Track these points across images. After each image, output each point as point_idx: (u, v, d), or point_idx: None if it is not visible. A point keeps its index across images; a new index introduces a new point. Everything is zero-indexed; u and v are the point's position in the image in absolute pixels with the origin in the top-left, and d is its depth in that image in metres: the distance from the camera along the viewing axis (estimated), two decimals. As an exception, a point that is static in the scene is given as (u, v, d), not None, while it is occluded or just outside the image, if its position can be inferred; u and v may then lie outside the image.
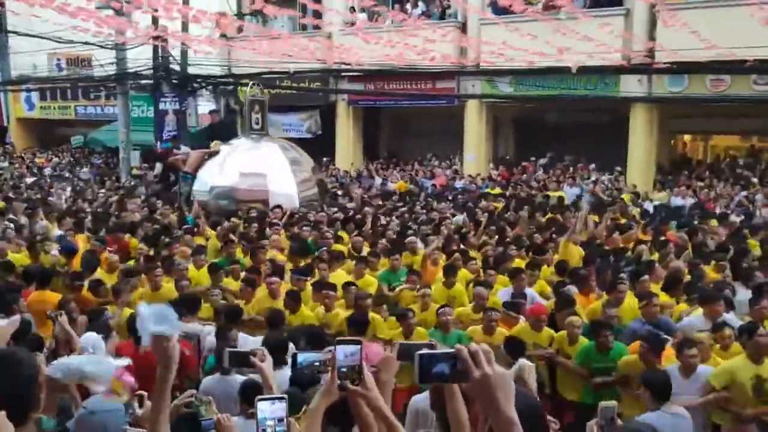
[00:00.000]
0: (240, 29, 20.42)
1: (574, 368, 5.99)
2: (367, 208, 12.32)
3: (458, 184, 17.51)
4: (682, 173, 17.88)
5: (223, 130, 16.41)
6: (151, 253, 8.66)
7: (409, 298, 7.53)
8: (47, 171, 21.09)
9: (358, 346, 2.25)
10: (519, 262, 8.36)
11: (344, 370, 2.23)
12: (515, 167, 19.50)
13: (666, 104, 17.07)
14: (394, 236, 9.80)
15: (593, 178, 16.85)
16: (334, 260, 8.30)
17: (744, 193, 14.25)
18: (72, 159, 25.11)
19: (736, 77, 15.33)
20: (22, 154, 26.38)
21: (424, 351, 1.73)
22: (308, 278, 7.63)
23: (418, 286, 7.53)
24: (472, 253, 8.90)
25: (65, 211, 11.71)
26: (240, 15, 20.33)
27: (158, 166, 17.65)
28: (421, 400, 4.17)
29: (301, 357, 2.62)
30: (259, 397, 2.37)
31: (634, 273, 7.33)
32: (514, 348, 5.45)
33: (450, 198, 15.12)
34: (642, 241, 9.58)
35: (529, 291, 7.44)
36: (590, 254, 8.53)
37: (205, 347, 5.98)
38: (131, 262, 8.56)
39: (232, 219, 11.22)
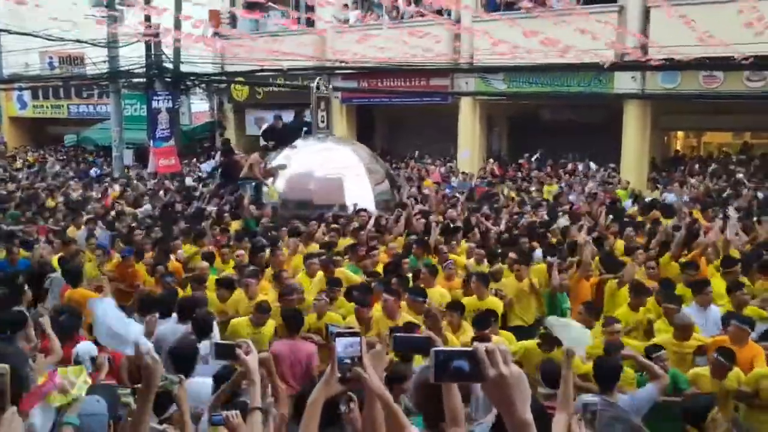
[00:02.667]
0: (234, 19, 20.43)
1: None
2: (451, 211, 11.80)
3: (453, 181, 17.50)
4: (675, 170, 17.95)
5: (284, 132, 15.46)
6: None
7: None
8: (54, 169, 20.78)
9: (358, 338, 2.27)
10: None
11: (346, 362, 2.25)
12: (509, 164, 19.53)
13: (659, 101, 17.10)
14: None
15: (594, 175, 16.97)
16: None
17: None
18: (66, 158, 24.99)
19: (729, 74, 15.37)
20: (15, 153, 26.27)
21: (441, 348, 1.69)
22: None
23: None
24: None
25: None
26: (234, 18, 20.31)
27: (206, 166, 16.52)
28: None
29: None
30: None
31: None
32: None
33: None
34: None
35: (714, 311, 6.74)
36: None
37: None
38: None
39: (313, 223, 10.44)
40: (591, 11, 15.12)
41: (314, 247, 9.08)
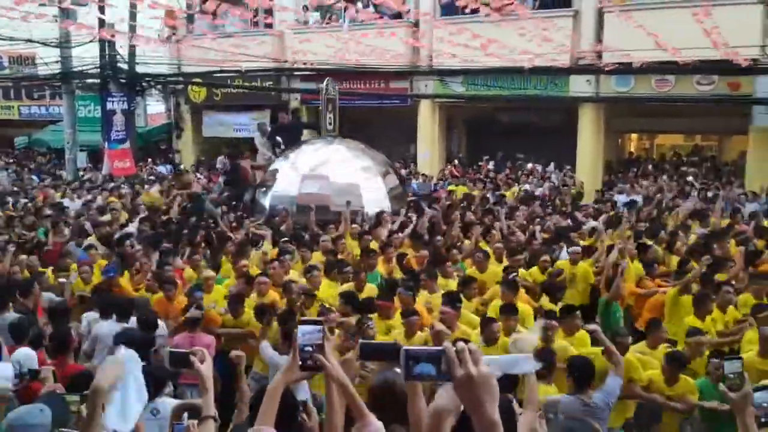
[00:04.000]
0: (191, 21, 20.15)
1: None
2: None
3: (413, 183, 17.57)
4: (629, 171, 18.36)
5: (291, 130, 15.20)
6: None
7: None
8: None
9: (319, 326, 2.27)
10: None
11: (307, 349, 2.25)
12: (469, 166, 19.71)
13: (613, 104, 17.47)
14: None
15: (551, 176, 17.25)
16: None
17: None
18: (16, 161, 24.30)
19: (680, 77, 15.78)
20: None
21: (410, 348, 1.67)
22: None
23: None
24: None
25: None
26: (191, 19, 20.02)
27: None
28: None
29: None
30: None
31: None
32: None
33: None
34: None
35: None
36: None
37: None
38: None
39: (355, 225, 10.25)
40: (547, 16, 15.39)
41: (318, 257, 8.74)
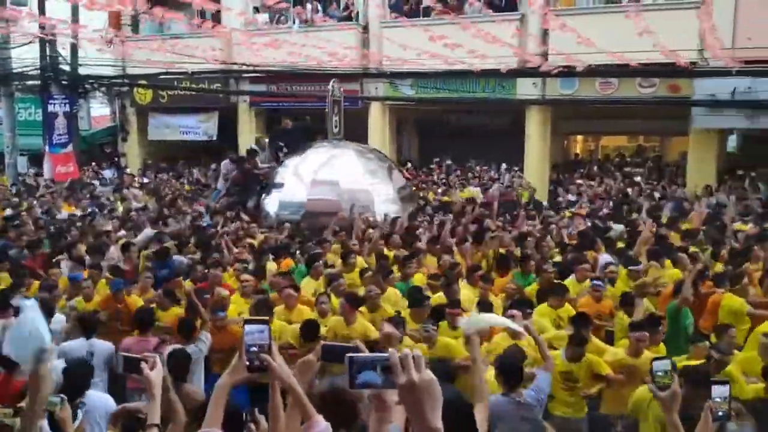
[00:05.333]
0: (136, 24, 19.76)
1: None
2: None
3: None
4: (575, 172, 18.77)
5: (295, 135, 14.77)
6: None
7: None
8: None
9: (266, 326, 2.25)
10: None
11: (253, 349, 2.23)
12: (420, 168, 19.82)
13: (558, 106, 17.84)
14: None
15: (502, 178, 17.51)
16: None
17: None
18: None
19: (623, 80, 16.21)
20: None
21: (356, 354, 1.66)
22: None
23: None
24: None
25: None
26: (136, 19, 19.64)
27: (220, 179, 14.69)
28: None
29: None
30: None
31: None
32: None
33: None
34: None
35: None
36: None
37: None
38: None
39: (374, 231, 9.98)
40: (494, 20, 15.61)
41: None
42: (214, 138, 21.49)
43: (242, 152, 21.14)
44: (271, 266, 8.56)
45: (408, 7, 17.76)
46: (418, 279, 7.97)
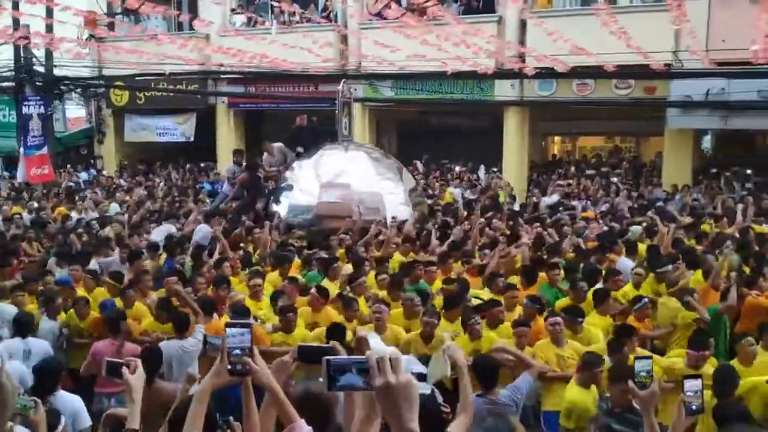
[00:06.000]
0: (111, 28, 19.53)
1: None
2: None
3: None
4: (554, 172, 18.93)
5: (310, 136, 14.33)
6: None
7: None
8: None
9: (248, 329, 2.25)
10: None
11: (236, 352, 2.21)
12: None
13: (536, 107, 17.97)
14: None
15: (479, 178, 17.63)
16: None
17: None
18: None
19: (600, 82, 16.36)
20: None
21: (333, 357, 1.66)
22: None
23: None
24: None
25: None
26: (111, 14, 19.40)
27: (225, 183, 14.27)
28: None
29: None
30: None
31: None
32: None
33: None
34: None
35: None
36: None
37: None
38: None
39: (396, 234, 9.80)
40: (472, 22, 15.67)
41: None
42: (192, 139, 21.34)
43: (220, 153, 21.13)
44: (272, 277, 8.37)
45: (385, 7, 17.76)
46: (437, 285, 7.79)
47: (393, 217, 10.75)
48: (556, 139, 23.89)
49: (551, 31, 11.54)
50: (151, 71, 17.52)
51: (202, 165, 20.94)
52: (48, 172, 17.51)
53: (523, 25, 16.65)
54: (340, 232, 10.15)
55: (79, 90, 21.31)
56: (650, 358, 3.17)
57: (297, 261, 8.93)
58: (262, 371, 2.32)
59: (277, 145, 14.12)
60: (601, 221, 11.61)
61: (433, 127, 20.87)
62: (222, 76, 19.77)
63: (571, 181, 16.89)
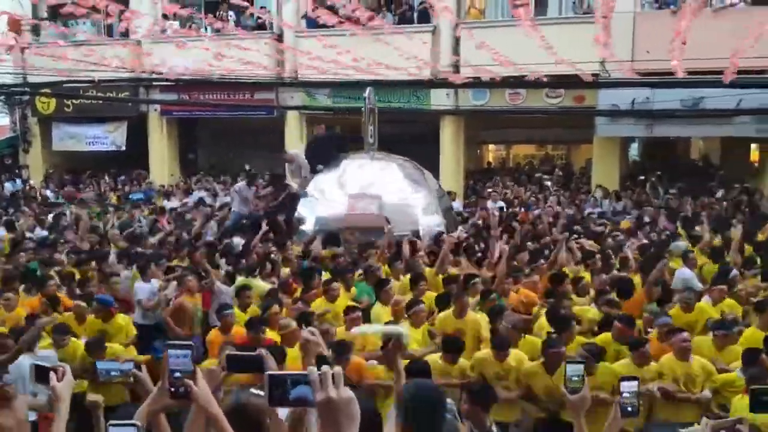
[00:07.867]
0: (36, 32, 18.88)
1: None
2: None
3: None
4: (489, 179, 19.27)
5: (330, 146, 13.73)
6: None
7: None
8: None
9: (189, 350, 2.20)
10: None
11: (177, 375, 2.16)
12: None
13: (471, 116, 18.28)
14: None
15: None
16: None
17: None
18: None
19: (531, 91, 16.78)
20: None
21: (275, 372, 1.66)
22: None
23: None
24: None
25: None
26: (36, 29, 18.72)
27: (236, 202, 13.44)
28: None
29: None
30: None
31: None
32: None
33: None
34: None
35: None
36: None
37: None
38: None
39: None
40: (408, 31, 15.83)
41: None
42: (123, 148, 20.78)
43: (153, 162, 20.63)
44: (257, 284, 8.07)
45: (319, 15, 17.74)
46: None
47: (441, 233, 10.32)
48: (491, 146, 24.33)
49: (482, 43, 11.67)
50: (79, 78, 16.98)
51: (135, 173, 20.42)
52: (-31, 183, 16.76)
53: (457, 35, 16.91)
54: (384, 246, 9.58)
55: (1, 97, 20.46)
56: (582, 362, 3.20)
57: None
58: (203, 393, 2.25)
59: (294, 151, 13.85)
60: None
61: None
62: (154, 83, 19.33)
63: (507, 190, 17.22)
